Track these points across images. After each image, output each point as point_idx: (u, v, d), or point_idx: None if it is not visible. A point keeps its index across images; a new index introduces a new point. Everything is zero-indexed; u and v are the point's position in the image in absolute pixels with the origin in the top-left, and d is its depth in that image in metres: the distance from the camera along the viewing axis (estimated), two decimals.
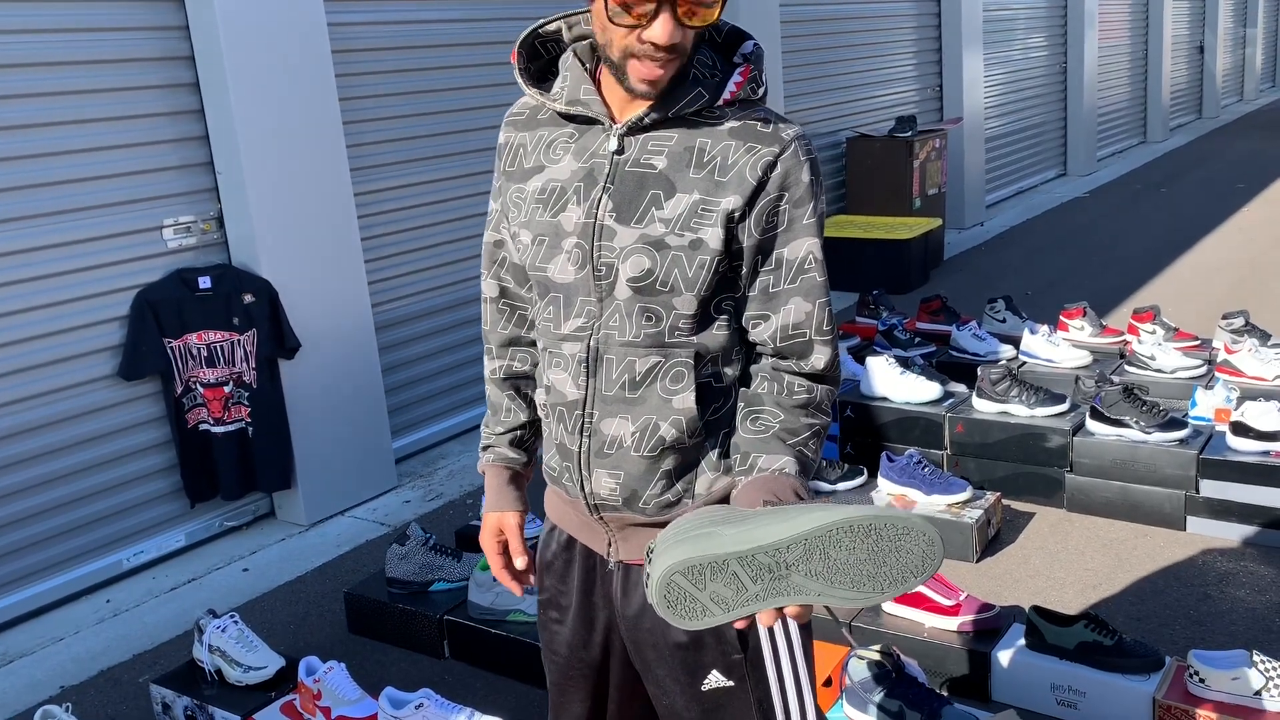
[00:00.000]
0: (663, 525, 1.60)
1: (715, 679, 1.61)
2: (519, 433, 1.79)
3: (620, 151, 1.52)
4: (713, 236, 1.49)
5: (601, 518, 1.63)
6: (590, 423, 1.58)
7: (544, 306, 1.61)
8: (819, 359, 1.55)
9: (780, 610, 1.31)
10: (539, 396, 1.68)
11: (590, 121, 1.56)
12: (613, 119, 1.54)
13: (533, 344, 1.76)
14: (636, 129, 1.52)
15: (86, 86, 3.58)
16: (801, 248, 1.52)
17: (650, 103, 1.50)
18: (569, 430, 1.60)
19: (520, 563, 1.75)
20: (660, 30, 1.40)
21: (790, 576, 1.26)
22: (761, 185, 1.49)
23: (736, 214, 1.49)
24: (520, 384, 1.78)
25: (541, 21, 1.61)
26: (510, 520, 1.76)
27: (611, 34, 1.43)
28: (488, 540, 1.77)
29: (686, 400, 1.53)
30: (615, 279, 1.52)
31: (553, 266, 1.57)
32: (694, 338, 1.53)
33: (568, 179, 1.55)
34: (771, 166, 1.49)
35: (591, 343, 1.55)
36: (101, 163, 3.64)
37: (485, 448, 1.81)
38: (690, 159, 1.50)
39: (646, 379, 1.54)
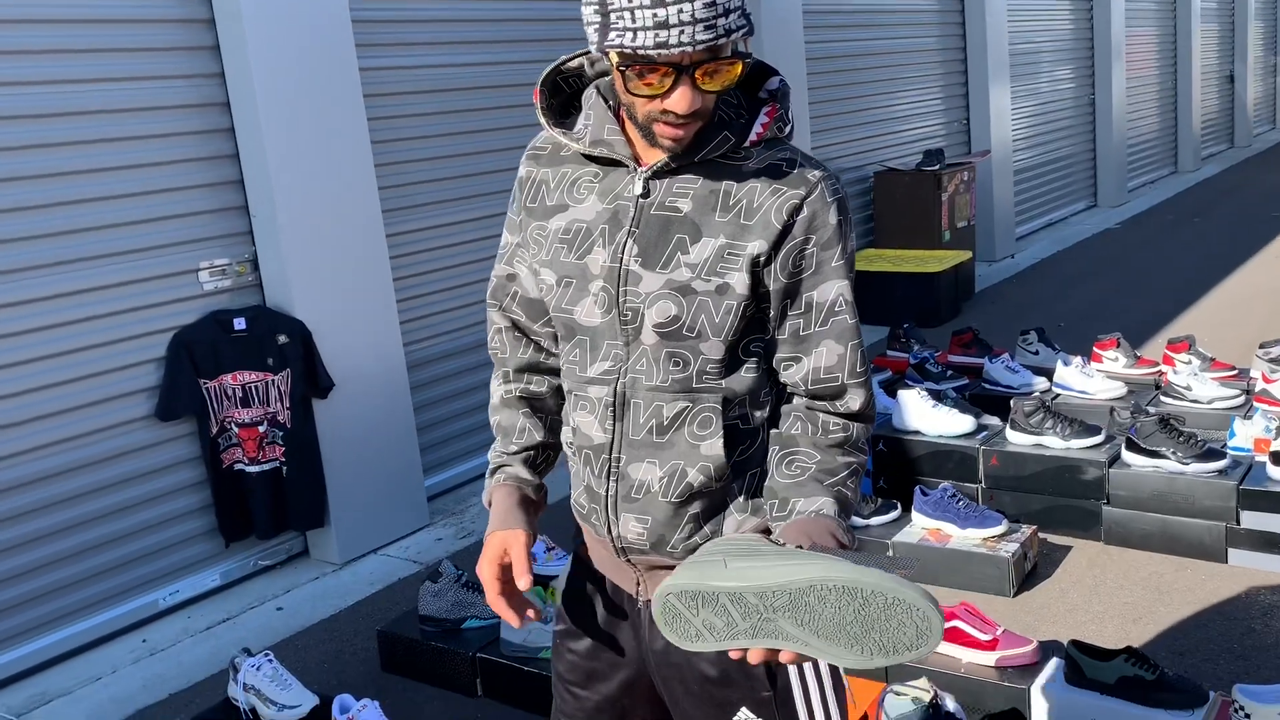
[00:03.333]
0: None
1: (745, 715, 1.59)
2: (533, 453, 1.70)
3: (645, 195, 1.51)
4: (739, 281, 1.47)
5: (629, 559, 1.61)
6: (617, 467, 1.56)
7: (569, 349, 1.59)
8: (853, 400, 1.53)
9: (773, 652, 1.32)
10: (565, 435, 1.65)
11: (615, 163, 1.54)
12: (637, 160, 1.52)
13: (553, 371, 1.71)
14: (662, 172, 1.51)
15: (124, 134, 3.66)
16: (831, 290, 1.50)
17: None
18: (596, 474, 1.58)
19: (523, 583, 1.54)
20: (679, 99, 1.39)
21: (776, 621, 1.29)
22: (787, 229, 1.47)
23: (762, 258, 1.47)
24: (536, 404, 1.72)
25: (564, 58, 1.59)
26: (519, 538, 1.58)
27: (631, 99, 1.42)
28: (487, 565, 1.57)
29: (715, 446, 1.51)
30: (641, 324, 1.50)
31: (579, 309, 1.55)
32: (722, 382, 1.51)
33: (593, 220, 1.54)
34: (797, 210, 1.47)
35: (618, 387, 1.53)
36: (139, 208, 3.71)
37: (495, 469, 1.69)
38: (716, 202, 1.48)
39: (674, 424, 1.52)
